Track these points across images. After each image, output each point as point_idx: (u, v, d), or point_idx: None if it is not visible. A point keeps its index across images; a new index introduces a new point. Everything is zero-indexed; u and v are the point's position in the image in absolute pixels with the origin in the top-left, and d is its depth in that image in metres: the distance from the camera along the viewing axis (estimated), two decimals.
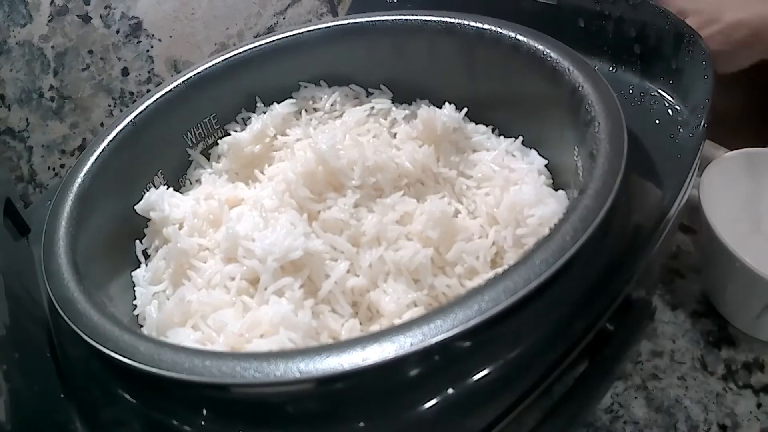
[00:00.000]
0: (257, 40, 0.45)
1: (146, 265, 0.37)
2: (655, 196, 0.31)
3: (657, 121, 0.35)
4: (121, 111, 0.56)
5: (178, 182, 0.43)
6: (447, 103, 0.41)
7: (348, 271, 0.34)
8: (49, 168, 0.58)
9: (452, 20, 0.41)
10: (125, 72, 0.59)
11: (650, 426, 0.37)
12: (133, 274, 0.37)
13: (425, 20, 0.42)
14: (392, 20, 0.43)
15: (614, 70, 0.39)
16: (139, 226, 0.39)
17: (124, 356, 0.25)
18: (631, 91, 0.37)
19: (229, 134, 0.44)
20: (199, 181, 0.43)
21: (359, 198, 0.37)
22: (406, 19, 0.42)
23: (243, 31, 0.63)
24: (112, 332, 0.27)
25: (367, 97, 0.45)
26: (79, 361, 0.28)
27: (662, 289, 0.44)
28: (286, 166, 0.39)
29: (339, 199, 0.37)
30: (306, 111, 0.45)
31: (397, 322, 0.31)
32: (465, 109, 0.41)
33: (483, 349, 0.24)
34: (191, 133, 0.43)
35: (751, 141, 0.45)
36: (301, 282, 0.32)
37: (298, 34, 0.45)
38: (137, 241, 0.38)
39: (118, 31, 0.57)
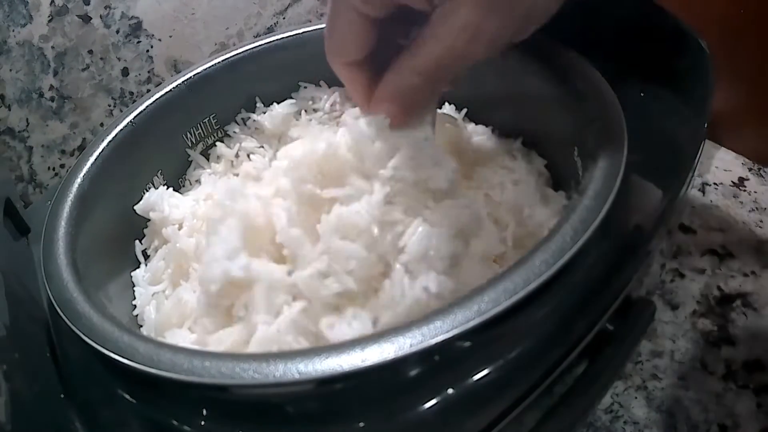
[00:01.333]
0: (257, 40, 0.45)
1: (146, 265, 0.37)
2: (655, 196, 0.31)
3: (657, 121, 0.35)
4: (121, 111, 0.56)
5: (178, 182, 0.43)
6: (447, 103, 0.41)
7: None
8: (49, 168, 0.58)
9: None
10: (125, 72, 0.59)
11: (650, 426, 0.37)
12: (132, 274, 0.37)
13: None
14: None
15: (614, 71, 0.39)
16: (138, 227, 0.39)
17: (123, 357, 0.25)
18: (631, 92, 0.37)
19: (228, 135, 0.44)
20: (198, 181, 0.43)
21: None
22: None
23: (243, 31, 0.63)
24: (112, 333, 0.27)
25: None
26: (78, 362, 0.28)
27: (662, 289, 0.44)
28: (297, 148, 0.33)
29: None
30: (306, 111, 0.45)
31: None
32: (465, 109, 0.41)
33: (483, 349, 0.24)
34: (191, 134, 0.43)
35: (751, 141, 0.45)
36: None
37: (298, 34, 0.45)
38: (137, 242, 0.38)
39: (118, 31, 0.57)
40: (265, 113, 0.44)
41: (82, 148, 0.58)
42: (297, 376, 0.23)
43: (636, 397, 0.38)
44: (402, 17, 0.29)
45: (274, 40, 0.45)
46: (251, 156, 0.43)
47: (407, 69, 0.28)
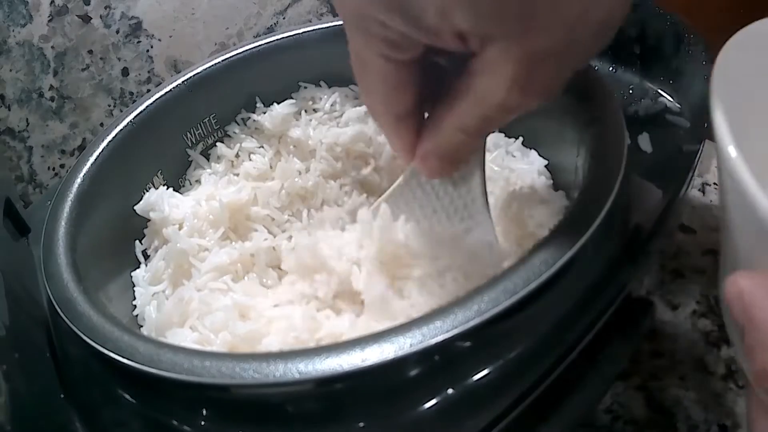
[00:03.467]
0: (257, 40, 0.45)
1: (146, 265, 0.37)
2: (655, 196, 0.31)
3: (657, 122, 0.35)
4: (121, 111, 0.56)
5: (178, 183, 0.43)
6: None
7: None
8: (49, 168, 0.58)
9: None
10: (125, 72, 0.59)
11: (650, 426, 0.37)
12: (132, 274, 0.37)
13: None
14: None
15: (614, 70, 0.39)
16: (138, 227, 0.39)
17: (123, 357, 0.25)
18: (631, 91, 0.37)
19: (228, 135, 0.44)
20: (198, 181, 0.43)
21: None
22: None
23: (243, 31, 0.63)
24: (112, 333, 0.27)
25: None
26: (78, 362, 0.28)
27: (662, 289, 0.44)
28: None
29: None
30: (306, 111, 0.45)
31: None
32: None
33: (483, 349, 0.24)
34: (191, 134, 0.43)
35: None
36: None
37: (298, 34, 0.45)
38: (137, 242, 0.38)
39: (118, 31, 0.57)
40: (265, 113, 0.44)
41: (82, 148, 0.58)
42: (297, 376, 0.23)
43: (636, 397, 0.38)
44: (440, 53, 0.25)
45: (274, 40, 0.45)
46: (251, 156, 0.43)
47: (450, 127, 0.26)
